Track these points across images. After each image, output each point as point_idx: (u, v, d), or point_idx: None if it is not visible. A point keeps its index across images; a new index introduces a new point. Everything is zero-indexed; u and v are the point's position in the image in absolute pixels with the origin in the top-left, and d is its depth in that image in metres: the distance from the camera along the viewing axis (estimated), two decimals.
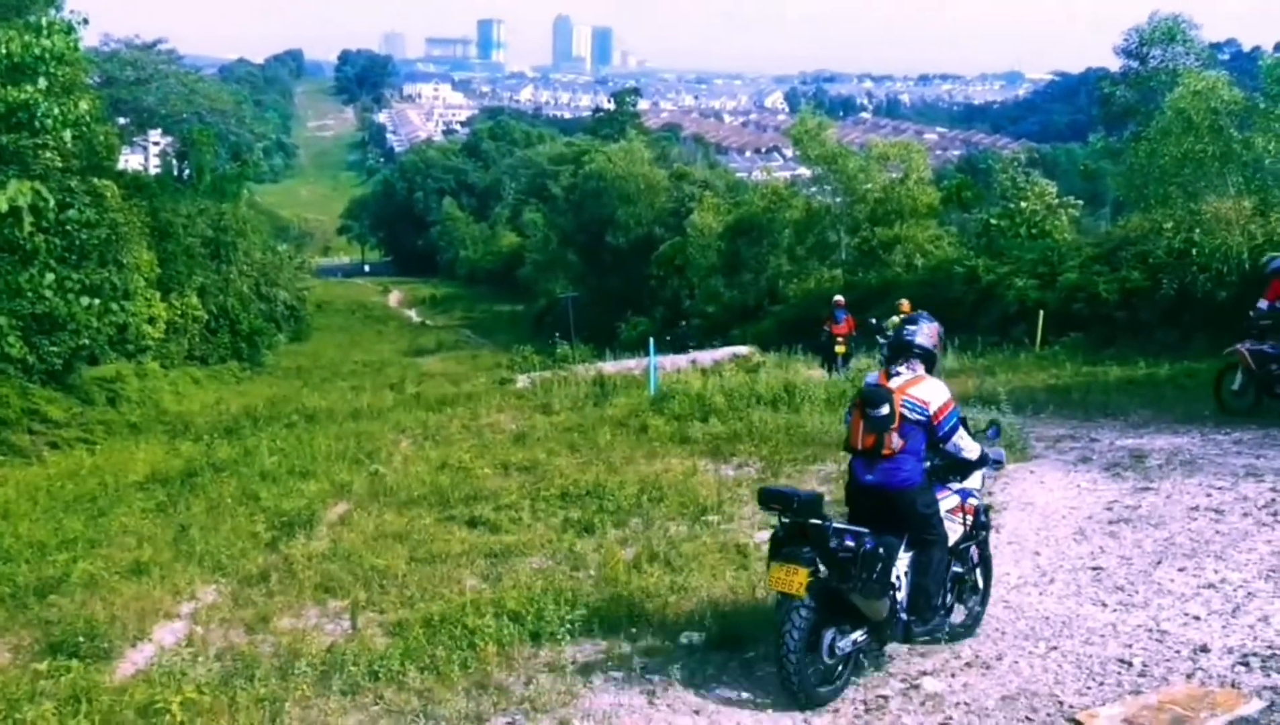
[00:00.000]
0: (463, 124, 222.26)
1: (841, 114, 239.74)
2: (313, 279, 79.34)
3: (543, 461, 15.11)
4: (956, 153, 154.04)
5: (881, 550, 7.22)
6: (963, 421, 7.41)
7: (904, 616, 7.59)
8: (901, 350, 7.85)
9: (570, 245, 72.12)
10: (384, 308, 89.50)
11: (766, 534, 11.14)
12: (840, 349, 25.03)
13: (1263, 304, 15.15)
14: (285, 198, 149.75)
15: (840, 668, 7.37)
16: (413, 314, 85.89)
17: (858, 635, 7.43)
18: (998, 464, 8.14)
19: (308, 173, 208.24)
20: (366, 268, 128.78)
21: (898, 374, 7.72)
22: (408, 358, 54.45)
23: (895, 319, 22.00)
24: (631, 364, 26.07)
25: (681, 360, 27.11)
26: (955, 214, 45.94)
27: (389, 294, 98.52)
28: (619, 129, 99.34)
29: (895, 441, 7.45)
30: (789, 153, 72.10)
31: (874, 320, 24.76)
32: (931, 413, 7.53)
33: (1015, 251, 33.09)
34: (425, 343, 63.66)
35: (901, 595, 7.53)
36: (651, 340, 24.21)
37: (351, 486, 14.66)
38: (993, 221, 37.03)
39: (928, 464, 7.33)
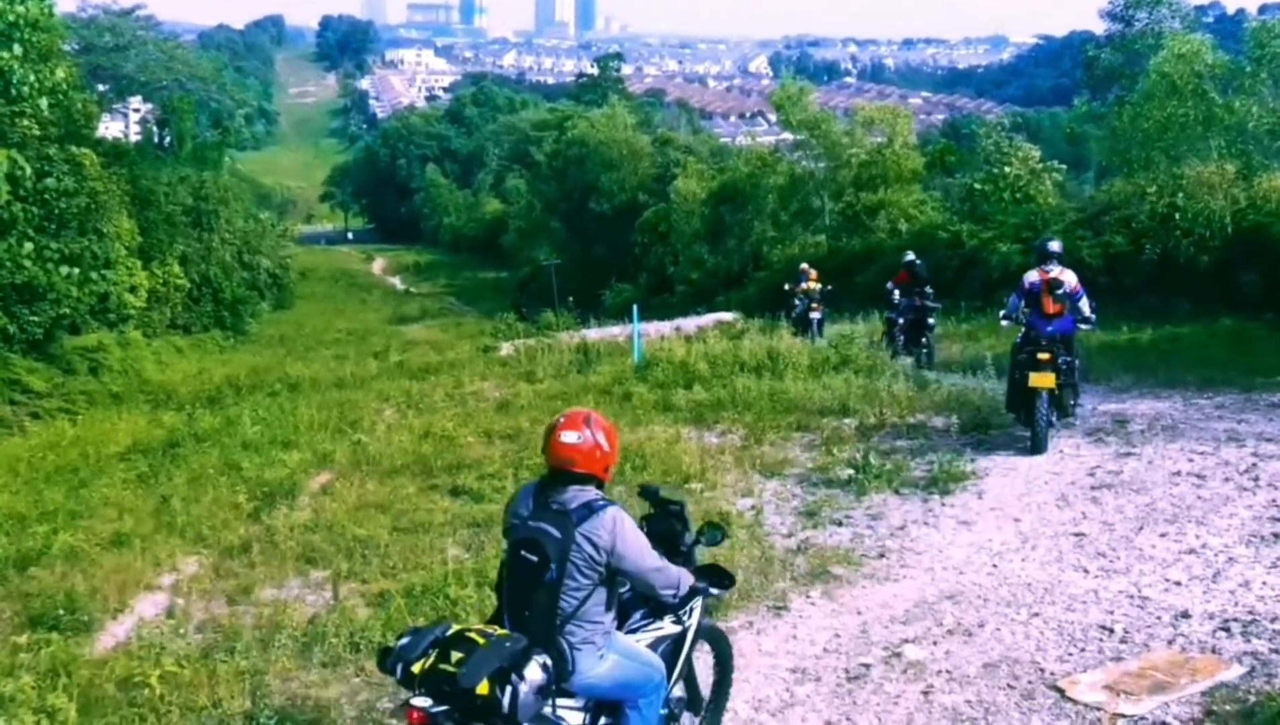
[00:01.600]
0: (445, 90, 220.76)
1: (826, 79, 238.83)
2: (295, 247, 78.89)
3: (526, 430, 15.05)
4: (941, 117, 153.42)
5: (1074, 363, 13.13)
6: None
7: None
8: (1045, 256, 13.11)
9: (554, 212, 71.78)
10: (367, 275, 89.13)
11: (749, 502, 11.18)
12: (816, 314, 24.70)
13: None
14: (267, 165, 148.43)
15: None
16: (396, 282, 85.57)
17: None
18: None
19: (290, 140, 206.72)
20: (350, 235, 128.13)
21: (1048, 270, 12.99)
22: (391, 326, 54.26)
23: (806, 285, 24.80)
24: (615, 331, 26.02)
25: (665, 327, 27.05)
26: (939, 179, 45.85)
27: (372, 262, 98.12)
28: (602, 95, 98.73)
29: (1062, 307, 12.99)
30: (773, 118, 71.76)
31: (786, 286, 26.10)
32: (1069, 289, 12.92)
33: (999, 216, 33.04)
34: (409, 311, 63.46)
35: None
36: (635, 307, 24.16)
37: (334, 456, 14.59)
38: (976, 186, 36.93)
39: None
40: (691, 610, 5.81)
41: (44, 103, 15.89)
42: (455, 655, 4.86)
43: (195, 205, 50.85)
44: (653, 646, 5.61)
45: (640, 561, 5.24)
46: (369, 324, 55.24)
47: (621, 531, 5.15)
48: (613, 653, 5.30)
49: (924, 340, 20.49)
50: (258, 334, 50.35)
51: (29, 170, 14.78)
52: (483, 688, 4.76)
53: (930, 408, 14.81)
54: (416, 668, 4.91)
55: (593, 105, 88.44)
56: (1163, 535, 9.48)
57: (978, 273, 29.70)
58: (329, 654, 8.00)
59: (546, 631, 5.11)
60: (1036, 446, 12.34)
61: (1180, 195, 25.52)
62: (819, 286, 25.06)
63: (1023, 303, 13.19)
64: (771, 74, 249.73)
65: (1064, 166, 38.08)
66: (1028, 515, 10.33)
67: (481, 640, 4.91)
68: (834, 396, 15.37)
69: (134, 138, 67.92)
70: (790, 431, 14.12)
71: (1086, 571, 8.82)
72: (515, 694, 4.79)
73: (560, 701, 5.16)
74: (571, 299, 43.16)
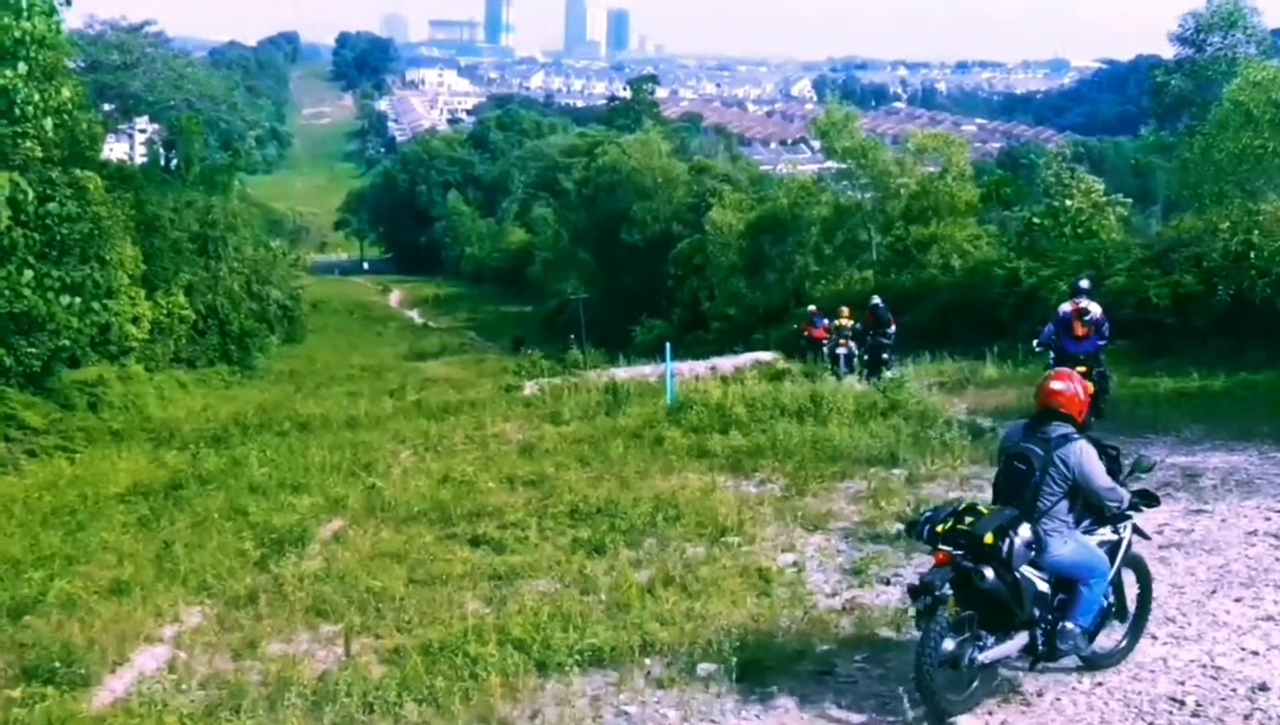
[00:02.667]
0: (469, 112, 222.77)
1: (874, 103, 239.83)
2: (308, 277, 79.50)
3: (551, 476, 15.11)
4: (997, 146, 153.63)
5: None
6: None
7: None
8: (1077, 292, 17.35)
9: (582, 243, 72.15)
10: (384, 308, 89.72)
11: (790, 557, 11.15)
12: (827, 350, 27.88)
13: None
14: (279, 190, 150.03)
15: None
16: (414, 315, 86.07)
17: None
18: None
19: (303, 163, 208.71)
20: (365, 265, 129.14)
21: (1079, 302, 16.96)
22: (408, 362, 54.47)
23: (839, 322, 27.56)
24: (647, 370, 26.06)
25: (700, 367, 27.08)
26: (995, 212, 45.84)
27: (389, 293, 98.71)
28: (635, 119, 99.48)
29: (1089, 331, 16.75)
30: (817, 145, 71.98)
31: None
32: (1095, 317, 16.87)
33: (1059, 253, 32.96)
34: (427, 346, 63.73)
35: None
36: (668, 345, 24.21)
37: (347, 501, 14.67)
38: (1035, 220, 36.90)
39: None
40: (1126, 526, 8.21)
41: (48, 123, 16.03)
42: (968, 519, 7.61)
43: (202, 232, 51.30)
44: (1098, 546, 8.04)
45: (1097, 480, 7.79)
46: (384, 360, 55.48)
47: (1086, 457, 7.75)
48: (1073, 541, 7.81)
49: (881, 369, 24.99)
50: (266, 369, 50.62)
51: (31, 194, 14.95)
52: (989, 538, 7.42)
53: (985, 457, 14.72)
54: (940, 528, 7.67)
55: (625, 130, 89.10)
56: (1238, 600, 9.37)
57: (1035, 312, 29.50)
58: (341, 715, 8.02)
59: (1029, 520, 7.64)
60: None
61: (1255, 232, 25.33)
62: (850, 323, 27.19)
63: (1056, 330, 17.15)
64: (815, 98, 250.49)
65: (1129, 200, 38.02)
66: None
67: (985, 511, 7.69)
68: (882, 444, 15.34)
69: (139, 160, 68.87)
70: (835, 482, 14.08)
71: (1154, 638, 8.72)
72: (1011, 544, 7.44)
73: (1032, 572, 7.61)
74: (582, 333, 43.22)
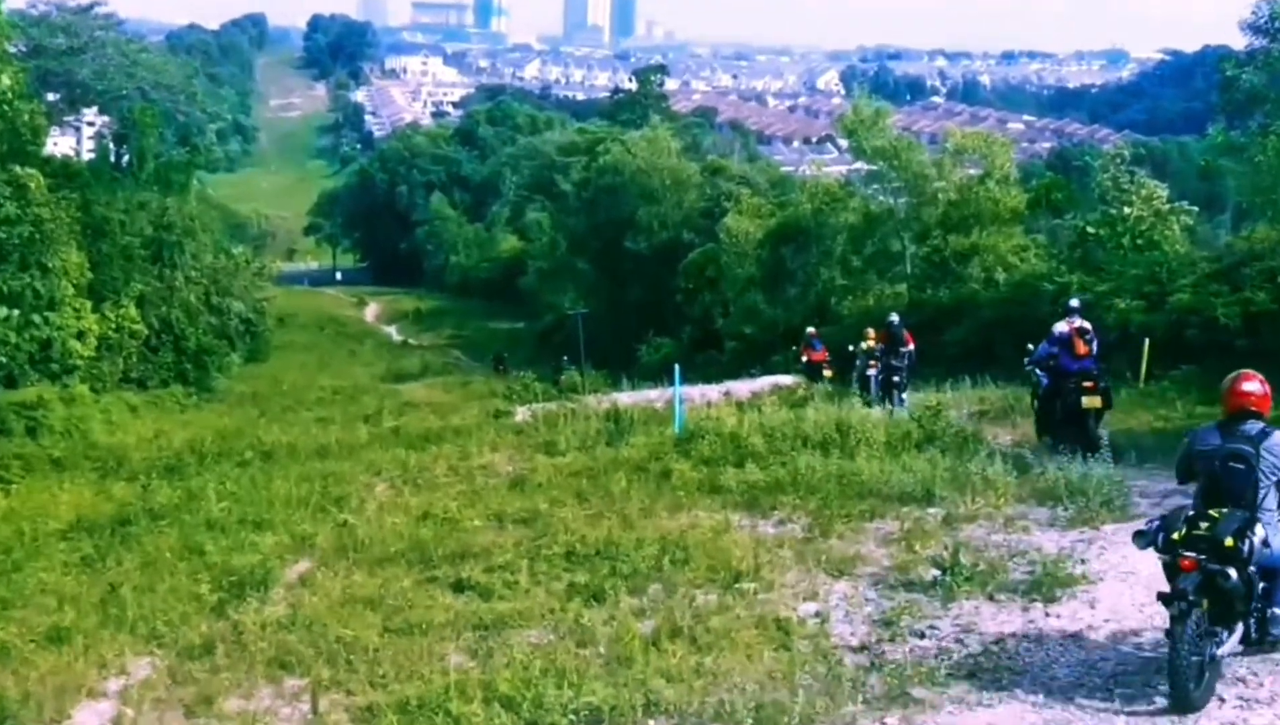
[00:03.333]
0: (455, 105, 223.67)
1: (908, 97, 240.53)
2: (274, 288, 79.47)
3: (544, 513, 15.13)
4: (1046, 145, 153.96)
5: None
6: None
7: None
8: (1070, 312, 19.22)
9: (582, 252, 72.37)
10: (358, 323, 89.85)
11: (813, 606, 11.12)
12: (828, 373, 29.95)
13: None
14: (243, 190, 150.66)
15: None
16: (393, 331, 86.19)
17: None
18: None
19: (270, 161, 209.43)
20: (339, 275, 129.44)
21: (1074, 322, 18.85)
22: (386, 384, 54.51)
23: (864, 344, 28.31)
24: (653, 395, 26.11)
25: (713, 391, 27.10)
26: (1044, 220, 45.87)
27: (365, 307, 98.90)
28: (642, 113, 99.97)
29: (1089, 348, 18.57)
30: (844, 144, 72.18)
31: (849, 347, 29.94)
32: (1093, 335, 18.76)
33: (1116, 266, 32.98)
34: (407, 366, 63.75)
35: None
36: (677, 367, 24.24)
37: (315, 540, 14.68)
38: (1090, 230, 36.95)
39: None
40: None
41: None
42: (1203, 524, 8.76)
43: (156, 236, 51.48)
44: None
45: None
46: (359, 381, 55.54)
47: None
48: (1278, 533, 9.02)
49: (894, 392, 26.25)
50: (227, 391, 50.72)
51: None
52: (1229, 541, 8.59)
53: (1032, 496, 14.74)
54: (1176, 535, 8.80)
55: (630, 126, 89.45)
56: None
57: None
58: None
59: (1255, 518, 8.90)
60: (1091, 446, 17.03)
61: None
62: (878, 346, 27.83)
63: (1054, 349, 19.00)
64: (843, 91, 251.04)
65: (1194, 208, 38.06)
66: (1150, 631, 10.21)
67: (1217, 515, 8.80)
68: (916, 480, 15.32)
69: (87, 155, 69.05)
70: (863, 521, 14.07)
71: (1223, 700, 8.71)
72: (1250, 545, 8.63)
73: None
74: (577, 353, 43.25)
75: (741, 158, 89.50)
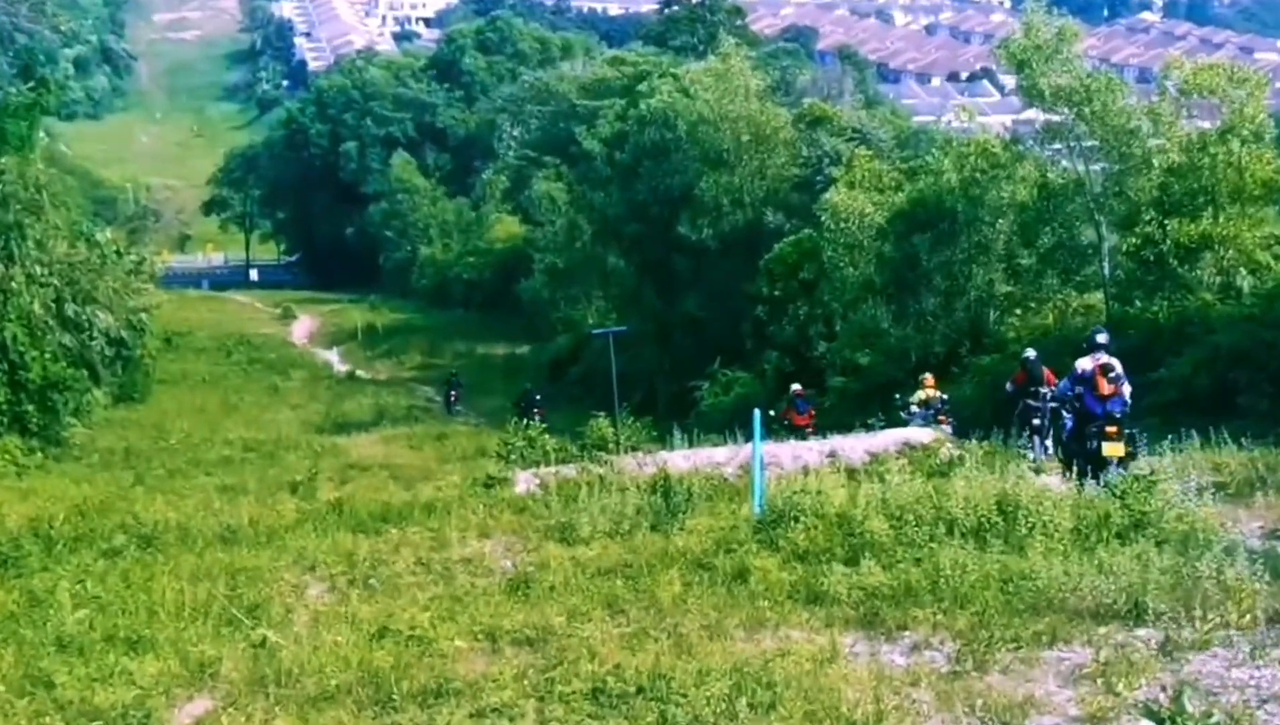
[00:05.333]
0: (428, 23, 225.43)
1: (1106, 14, 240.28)
2: (159, 292, 79.97)
3: (559, 630, 15.12)
4: None
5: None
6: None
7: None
8: (1095, 347, 23.59)
9: (614, 241, 72.48)
10: (283, 345, 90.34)
11: None
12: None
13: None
14: (113, 146, 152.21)
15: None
16: (333, 357, 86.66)
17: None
18: None
19: (153, 103, 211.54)
20: (254, 274, 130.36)
21: (1099, 358, 23.31)
22: (323, 436, 54.80)
23: (921, 394, 35.34)
24: (721, 455, 26.14)
25: (811, 450, 27.08)
26: None
27: (293, 321, 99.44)
28: (706, 36, 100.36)
29: (1116, 388, 23.24)
30: (1008, 82, 72.03)
31: (897, 396, 36.04)
32: (1120, 375, 23.29)
33: None
34: (354, 410, 64.14)
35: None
36: (757, 413, 24.16)
37: (218, 667, 14.67)
38: None
39: None
40: None
41: None
42: None
43: None
44: None
45: None
46: (283, 432, 55.85)
47: None
48: None
49: (1034, 438, 30.48)
50: (86, 445, 50.95)
51: None
52: None
53: None
54: None
55: (688, 54, 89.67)
56: None
57: None
58: None
59: None
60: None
61: None
62: (938, 394, 32.92)
63: (1076, 388, 23.49)
64: (1007, 3, 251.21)
65: None
66: None
67: None
68: (1118, 586, 15.20)
69: None
70: (1038, 648, 14.00)
71: None
72: None
73: None
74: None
75: (855, 102, 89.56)
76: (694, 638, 14.56)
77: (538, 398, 61.97)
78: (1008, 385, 32.92)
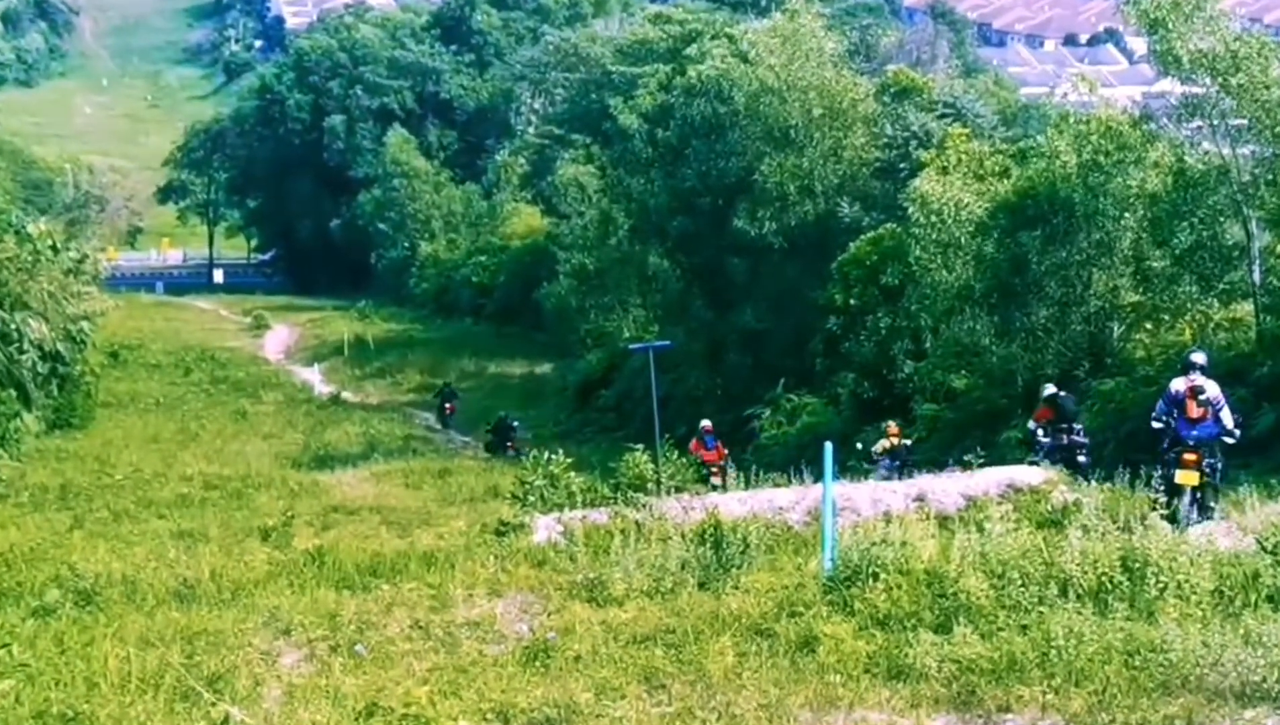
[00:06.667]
0: None
1: None
2: (104, 296, 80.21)
3: (587, 709, 15.17)
4: None
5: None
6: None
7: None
8: (1189, 367, 26.88)
9: (656, 237, 72.48)
10: (253, 361, 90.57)
11: None
12: (717, 481, 38.67)
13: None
14: (49, 117, 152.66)
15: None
16: (314, 376, 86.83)
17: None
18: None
19: (98, 68, 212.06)
20: (219, 274, 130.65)
21: (1193, 379, 26.45)
22: (301, 472, 54.91)
23: (885, 443, 38.96)
24: (784, 498, 26.14)
25: (895, 493, 27.11)
26: None
27: (265, 332, 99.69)
28: None
29: (1206, 412, 26.31)
30: (1138, 46, 71.91)
31: (859, 445, 39.15)
32: (1212, 397, 26.35)
33: None
34: (340, 440, 64.30)
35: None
36: (828, 447, 24.22)
37: None
38: None
39: None
40: None
41: None
42: None
43: None
44: None
45: None
46: (252, 466, 55.94)
47: None
48: None
49: (1082, 475, 32.20)
50: (14, 480, 51.18)
51: None
52: None
53: None
54: None
55: (746, 10, 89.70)
56: None
57: None
58: None
59: None
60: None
61: None
62: (904, 442, 36.48)
63: (1172, 410, 26.30)
64: None
65: None
66: None
67: None
68: (1269, 661, 15.21)
69: None
70: None
71: None
72: None
73: None
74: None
75: (950, 70, 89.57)
76: (750, 719, 14.61)
77: (514, 425, 62.51)
78: (1030, 423, 36.51)
